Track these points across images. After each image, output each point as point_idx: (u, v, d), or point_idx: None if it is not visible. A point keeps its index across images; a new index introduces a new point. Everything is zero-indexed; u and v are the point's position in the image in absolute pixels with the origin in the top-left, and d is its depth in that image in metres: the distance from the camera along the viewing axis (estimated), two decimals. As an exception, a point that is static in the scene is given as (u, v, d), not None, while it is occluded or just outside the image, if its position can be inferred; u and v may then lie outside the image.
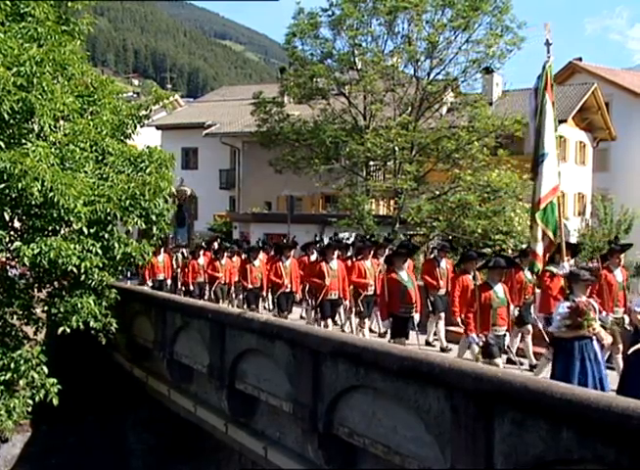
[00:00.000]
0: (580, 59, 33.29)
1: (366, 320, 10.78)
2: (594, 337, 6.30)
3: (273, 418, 8.20)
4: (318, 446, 6.62)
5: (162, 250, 15.68)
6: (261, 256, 13.80)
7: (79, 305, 9.58)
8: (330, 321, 10.59)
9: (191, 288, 14.70)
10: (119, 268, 10.63)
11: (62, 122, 9.81)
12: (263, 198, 27.69)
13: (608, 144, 30.47)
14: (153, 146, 11.07)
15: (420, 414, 5.24)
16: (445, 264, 10.83)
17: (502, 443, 4.47)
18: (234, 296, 14.69)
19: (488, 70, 21.67)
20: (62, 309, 9.69)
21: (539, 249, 7.20)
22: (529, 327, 9.11)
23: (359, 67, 20.97)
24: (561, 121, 25.00)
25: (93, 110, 10.63)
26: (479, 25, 19.75)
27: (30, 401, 9.73)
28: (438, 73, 20.78)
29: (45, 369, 9.57)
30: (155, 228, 10.25)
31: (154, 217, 9.96)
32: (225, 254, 14.48)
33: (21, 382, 9.63)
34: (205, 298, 14.25)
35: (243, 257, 14.39)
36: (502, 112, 20.75)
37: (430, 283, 10.65)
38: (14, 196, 8.72)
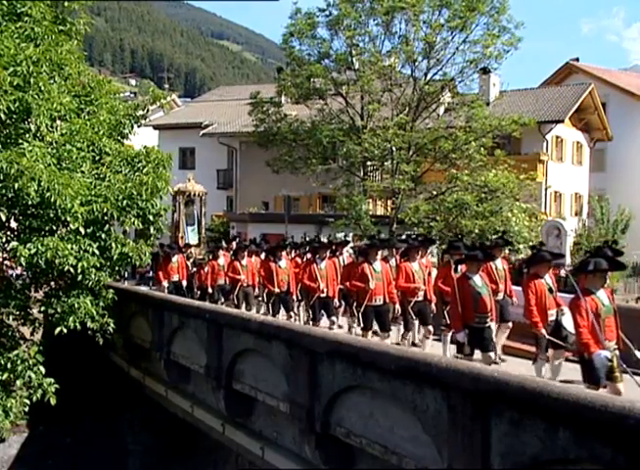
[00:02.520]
0: (577, 59, 33.38)
1: (430, 328, 9.67)
2: None
3: (270, 418, 8.20)
4: (315, 447, 6.62)
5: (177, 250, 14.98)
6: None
7: (76, 306, 9.56)
8: (369, 333, 9.37)
9: (209, 290, 13.66)
10: (116, 268, 10.61)
11: (58, 122, 9.80)
12: (261, 198, 27.70)
13: (604, 144, 30.57)
14: (150, 146, 11.06)
15: (417, 414, 5.24)
16: (502, 265, 9.61)
17: (499, 442, 4.47)
18: (259, 300, 13.34)
19: (485, 71, 21.76)
20: (59, 310, 9.67)
21: None
22: None
23: (356, 67, 21.01)
24: (558, 122, 25.19)
25: (90, 110, 10.62)
26: (476, 26, 19.85)
27: (27, 401, 9.72)
28: (436, 74, 20.86)
29: (42, 369, 9.55)
30: (152, 228, 10.24)
31: (151, 217, 9.95)
32: (245, 254, 13.32)
33: (17, 382, 9.62)
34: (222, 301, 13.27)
35: (262, 257, 13.39)
36: (499, 112, 20.83)
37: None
38: (10, 196, 8.70)
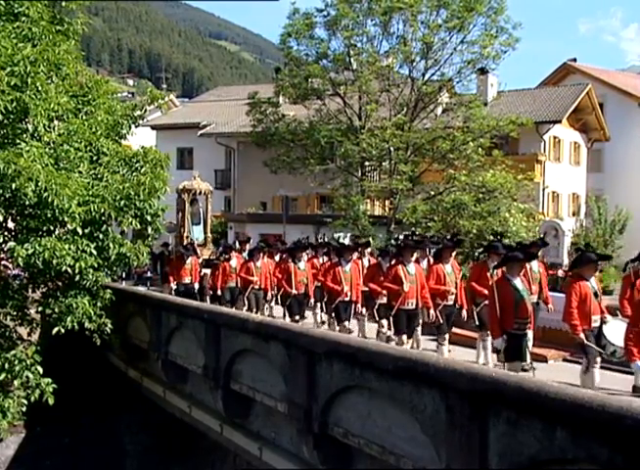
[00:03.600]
0: (575, 60, 33.44)
1: (446, 336, 9.21)
2: None
3: (268, 419, 8.19)
4: (313, 447, 6.62)
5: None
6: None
7: (74, 306, 9.55)
8: (405, 337, 8.91)
9: (219, 293, 13.23)
10: (114, 269, 10.60)
11: (56, 122, 9.78)
12: (258, 198, 27.70)
13: (602, 145, 30.61)
14: (148, 146, 11.05)
15: (415, 414, 5.24)
16: (538, 267, 9.18)
17: (497, 442, 4.48)
18: (270, 304, 13.03)
19: (483, 71, 21.81)
20: (56, 310, 9.66)
21: None
22: None
23: (354, 67, 21.03)
24: (555, 122, 25.22)
25: (88, 110, 10.61)
26: (473, 26, 19.90)
27: (25, 402, 9.69)
28: (433, 74, 20.89)
29: (40, 369, 9.53)
30: (150, 228, 10.22)
31: (148, 218, 9.93)
32: (260, 255, 12.78)
33: (15, 382, 9.59)
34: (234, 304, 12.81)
35: (276, 258, 13.14)
36: (497, 112, 20.85)
37: None
38: (8, 196, 8.69)
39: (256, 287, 12.47)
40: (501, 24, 19.51)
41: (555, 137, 26.58)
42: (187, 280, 13.93)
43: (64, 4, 10.84)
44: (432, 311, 9.04)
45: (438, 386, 4.96)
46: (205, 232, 18.72)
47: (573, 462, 3.98)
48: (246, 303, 12.47)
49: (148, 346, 11.49)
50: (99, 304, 10.07)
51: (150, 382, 11.97)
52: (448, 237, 10.54)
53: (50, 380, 9.55)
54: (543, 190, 25.18)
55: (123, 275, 17.85)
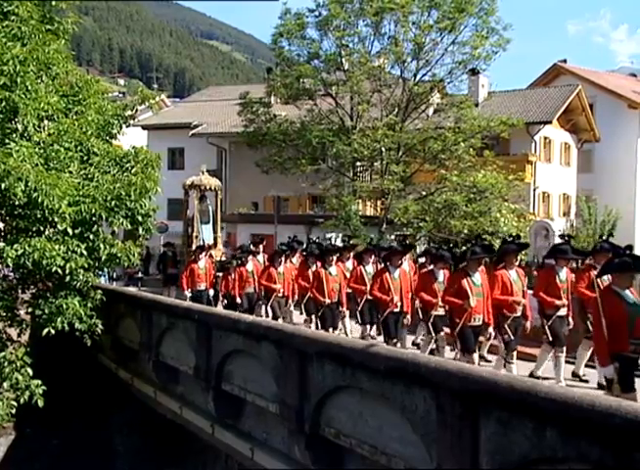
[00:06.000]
0: (565, 61, 33.65)
1: (514, 353, 8.02)
2: None
3: (260, 419, 8.18)
4: (305, 447, 6.62)
5: (204, 254, 13.18)
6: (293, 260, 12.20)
7: (64, 307, 9.49)
8: (476, 356, 7.87)
9: (238, 300, 12.11)
10: (105, 270, 10.54)
11: (46, 122, 9.73)
12: (250, 198, 27.65)
13: (592, 145, 30.80)
14: (139, 146, 11.00)
15: (406, 414, 5.25)
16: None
17: (488, 442, 4.50)
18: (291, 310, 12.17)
19: (474, 72, 21.90)
20: (46, 311, 9.60)
21: None
22: None
23: (346, 67, 21.06)
24: (546, 123, 25.37)
25: (78, 109, 10.55)
26: (464, 27, 19.96)
27: (14, 403, 9.62)
28: (425, 75, 20.95)
29: (29, 371, 9.47)
30: (140, 229, 10.18)
31: (139, 218, 9.88)
32: (282, 259, 11.82)
33: (4, 384, 9.52)
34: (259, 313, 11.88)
35: (294, 260, 12.43)
36: (488, 113, 20.93)
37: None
38: (-3, 196, 8.63)
39: (279, 295, 11.65)
40: (492, 26, 19.60)
41: (545, 138, 26.72)
42: (202, 286, 12.86)
43: (53, 3, 10.75)
44: (490, 329, 7.88)
45: (430, 386, 4.98)
46: (215, 232, 17.54)
47: (564, 461, 4.00)
48: (270, 312, 11.67)
49: (139, 346, 11.44)
50: (89, 304, 10.01)
51: (141, 383, 11.92)
52: (510, 239, 8.78)
53: (39, 382, 9.49)
54: (534, 190, 25.32)
55: (114, 276, 17.74)
